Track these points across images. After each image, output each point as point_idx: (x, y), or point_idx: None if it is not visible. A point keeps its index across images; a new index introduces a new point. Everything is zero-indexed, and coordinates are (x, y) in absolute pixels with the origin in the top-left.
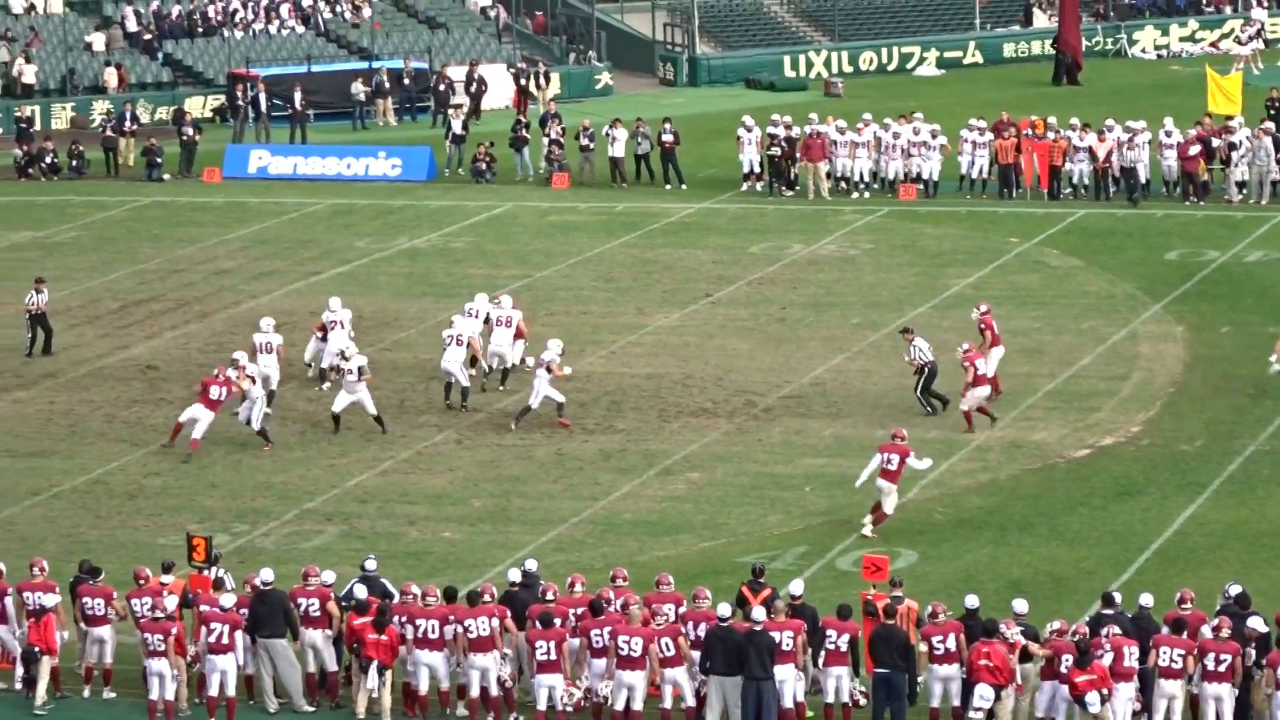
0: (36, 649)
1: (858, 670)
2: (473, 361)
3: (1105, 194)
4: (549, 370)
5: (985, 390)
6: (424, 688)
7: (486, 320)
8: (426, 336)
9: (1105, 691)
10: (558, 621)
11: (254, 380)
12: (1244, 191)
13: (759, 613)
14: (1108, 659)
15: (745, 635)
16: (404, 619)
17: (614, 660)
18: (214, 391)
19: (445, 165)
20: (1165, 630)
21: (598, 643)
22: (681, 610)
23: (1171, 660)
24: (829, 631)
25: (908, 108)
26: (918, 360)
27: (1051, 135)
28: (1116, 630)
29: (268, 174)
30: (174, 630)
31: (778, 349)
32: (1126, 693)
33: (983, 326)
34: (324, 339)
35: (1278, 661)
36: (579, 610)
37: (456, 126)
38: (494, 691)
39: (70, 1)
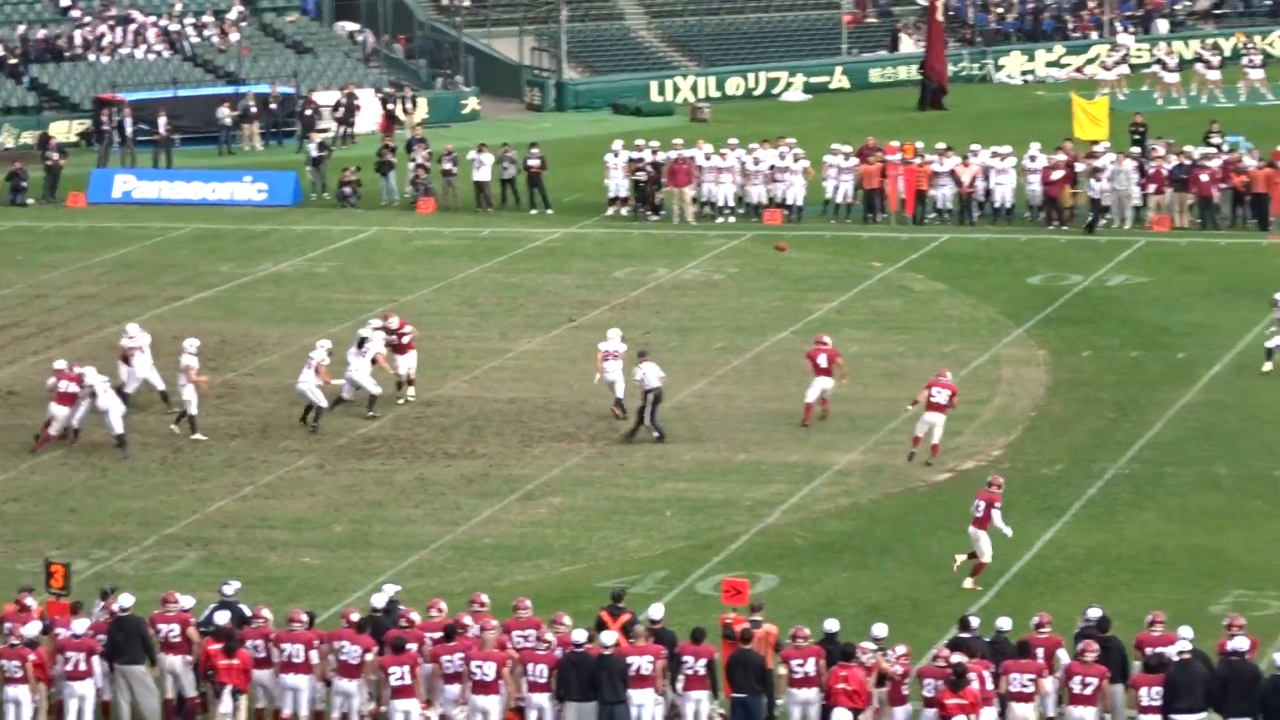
0: None
1: (717, 694)
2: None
3: (969, 218)
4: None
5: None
6: (287, 711)
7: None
8: (290, 361)
9: (974, 717)
10: (411, 646)
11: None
12: (1107, 215)
13: (609, 637)
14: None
15: (597, 660)
16: (268, 642)
17: (468, 685)
18: (62, 385)
19: (310, 190)
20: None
21: (449, 668)
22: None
23: (1022, 685)
24: (685, 657)
25: (774, 133)
26: (645, 384)
27: (917, 160)
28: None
29: (132, 199)
30: (31, 656)
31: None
32: (988, 717)
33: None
34: (129, 364)
35: (1141, 683)
36: (436, 635)
37: (313, 149)
38: (354, 719)
39: None
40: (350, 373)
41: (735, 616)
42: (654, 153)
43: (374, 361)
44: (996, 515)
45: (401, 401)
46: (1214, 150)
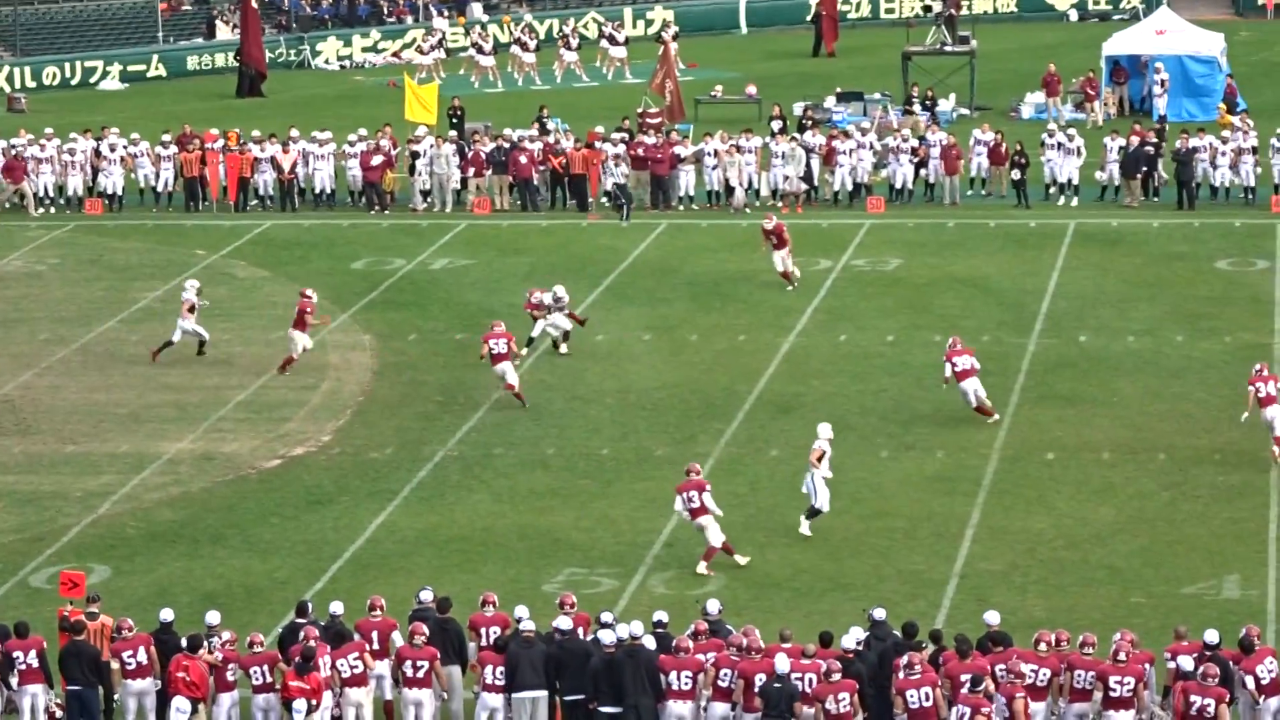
0: None
1: (53, 685)
2: None
3: (292, 205)
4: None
5: None
6: None
7: None
8: None
9: (314, 702)
10: None
11: None
12: (428, 200)
13: None
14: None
15: None
16: None
17: None
18: None
19: None
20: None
21: None
22: None
23: (351, 668)
24: (15, 652)
25: (94, 122)
26: None
27: (236, 147)
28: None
29: None
30: None
31: None
32: (328, 701)
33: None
34: None
35: (486, 661)
36: None
37: None
38: None
39: None
40: None
41: (73, 609)
42: None
43: None
44: (709, 499)
45: None
46: (532, 133)
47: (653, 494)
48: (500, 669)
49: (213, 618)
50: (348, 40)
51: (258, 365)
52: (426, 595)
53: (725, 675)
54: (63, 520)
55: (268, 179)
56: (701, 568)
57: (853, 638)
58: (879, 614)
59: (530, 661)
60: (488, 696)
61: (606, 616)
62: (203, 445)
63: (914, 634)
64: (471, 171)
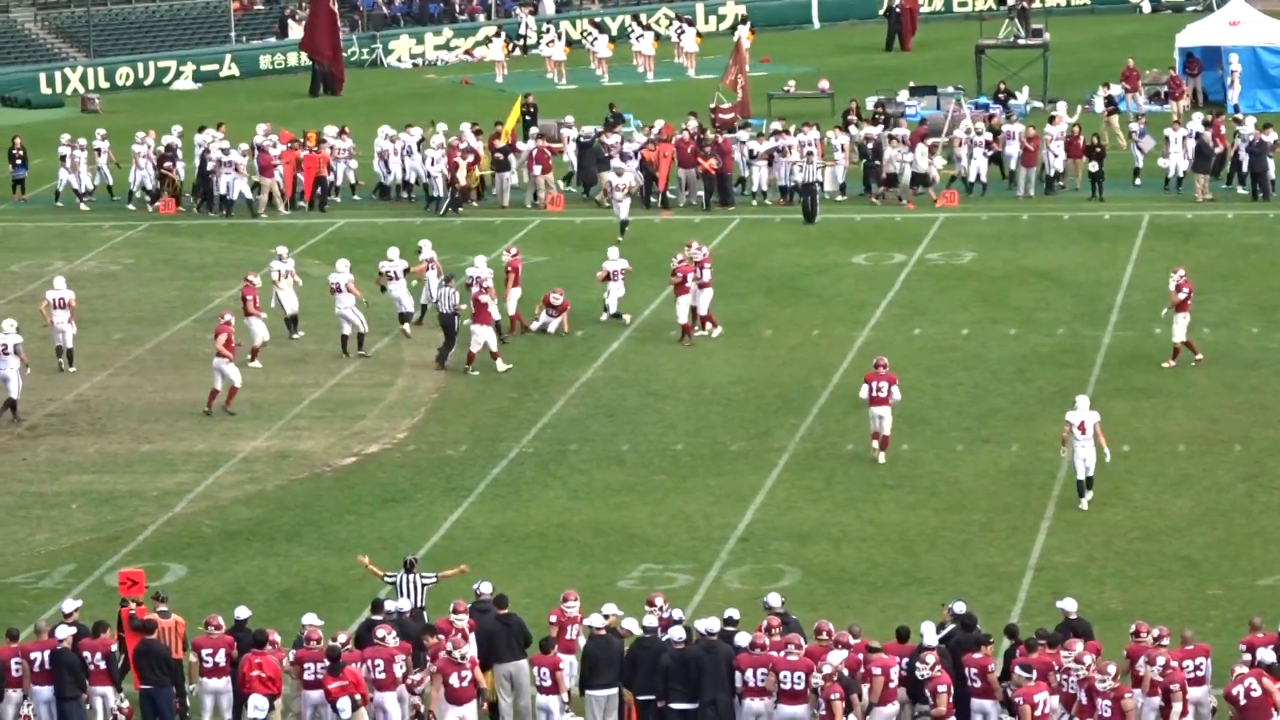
0: None
1: (119, 686)
2: None
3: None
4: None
5: None
6: None
7: None
8: None
9: (358, 697)
10: None
11: None
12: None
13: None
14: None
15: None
16: None
17: None
18: None
19: None
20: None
21: None
22: None
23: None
24: (85, 653)
25: (167, 122)
26: None
27: (314, 147)
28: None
29: None
30: None
31: (38, 367)
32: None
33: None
34: None
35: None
36: None
37: None
38: None
39: None
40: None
41: (140, 607)
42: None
43: None
44: (896, 391)
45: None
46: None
47: (728, 489)
48: (545, 670)
49: (241, 613)
50: (420, 38)
51: (332, 363)
52: (486, 588)
53: (786, 677)
54: (139, 519)
55: (349, 174)
56: (880, 457)
57: (932, 631)
58: (959, 607)
59: (607, 659)
60: (540, 698)
61: (677, 614)
62: (278, 443)
63: (971, 626)
64: (539, 169)
